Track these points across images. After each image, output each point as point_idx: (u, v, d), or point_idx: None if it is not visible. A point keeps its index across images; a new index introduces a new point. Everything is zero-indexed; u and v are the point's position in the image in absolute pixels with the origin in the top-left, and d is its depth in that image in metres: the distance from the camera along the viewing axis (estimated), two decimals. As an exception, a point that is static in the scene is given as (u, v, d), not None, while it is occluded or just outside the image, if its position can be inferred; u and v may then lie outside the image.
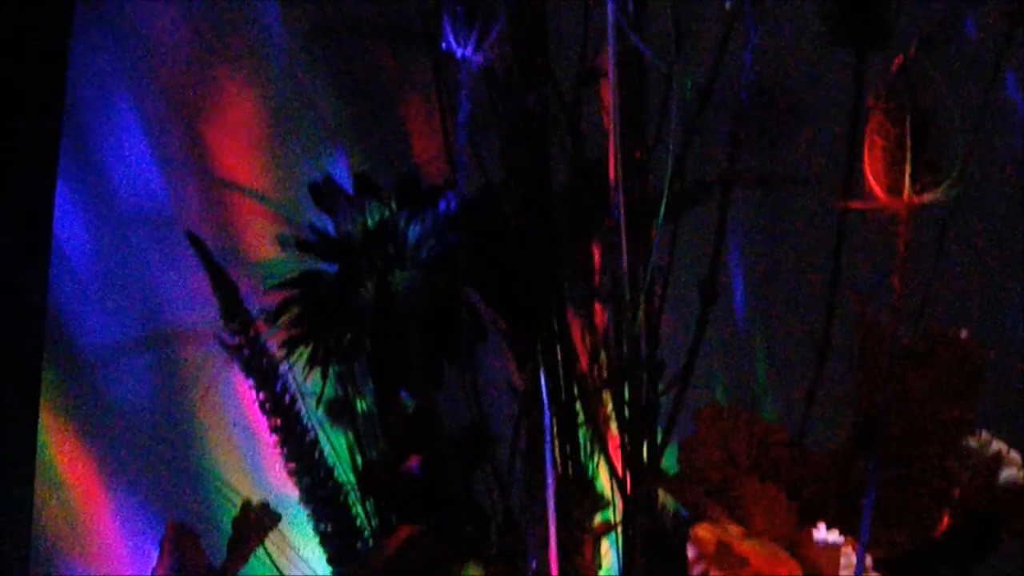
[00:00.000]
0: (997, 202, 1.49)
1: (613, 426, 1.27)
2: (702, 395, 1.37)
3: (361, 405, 1.36)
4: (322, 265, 1.31)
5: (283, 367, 1.30)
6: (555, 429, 1.25)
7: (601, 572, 1.27)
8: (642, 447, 1.26)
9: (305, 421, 1.30)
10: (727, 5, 1.28)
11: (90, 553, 1.50)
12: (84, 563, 1.50)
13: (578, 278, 1.30)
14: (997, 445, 1.23)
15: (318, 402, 1.34)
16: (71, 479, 1.50)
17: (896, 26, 1.29)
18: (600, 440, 1.27)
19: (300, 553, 1.35)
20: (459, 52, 1.20)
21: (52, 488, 1.49)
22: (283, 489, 1.35)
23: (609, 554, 1.28)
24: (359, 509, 1.32)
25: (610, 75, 1.22)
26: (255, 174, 1.49)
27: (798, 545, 1.14)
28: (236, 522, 1.30)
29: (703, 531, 1.14)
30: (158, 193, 1.48)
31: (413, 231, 1.31)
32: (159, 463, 1.49)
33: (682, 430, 1.27)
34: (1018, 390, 1.47)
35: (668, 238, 1.30)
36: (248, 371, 1.29)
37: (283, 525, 1.30)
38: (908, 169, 1.02)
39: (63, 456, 1.50)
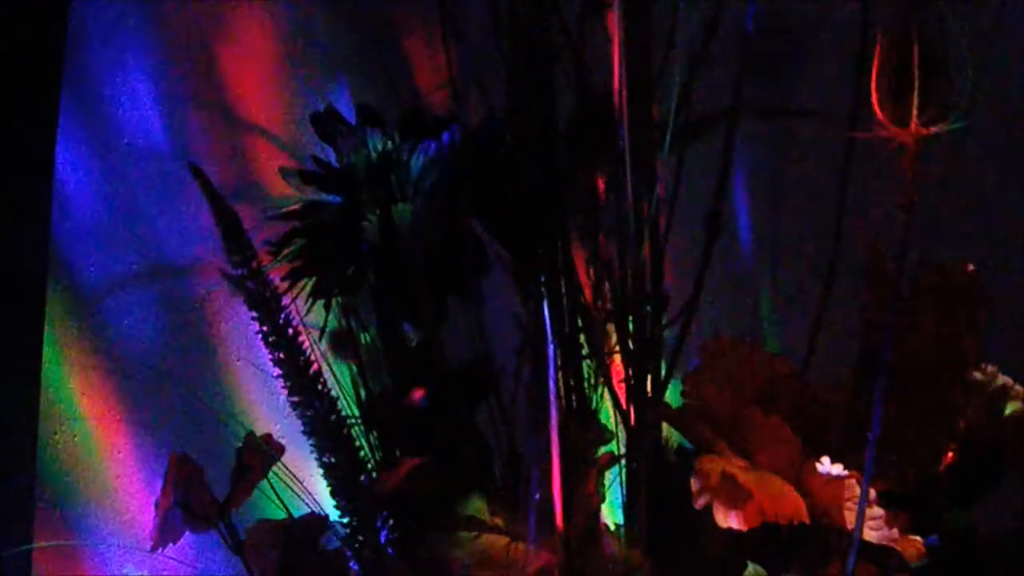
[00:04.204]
0: (1005, 133, 1.48)
1: (617, 358, 1.27)
2: (707, 327, 1.37)
3: (365, 338, 1.35)
4: (324, 196, 1.31)
5: (286, 299, 1.29)
6: (559, 361, 1.25)
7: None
8: (646, 379, 1.26)
9: (308, 353, 1.30)
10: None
11: (96, 484, 1.51)
12: (90, 493, 1.50)
13: (582, 210, 1.30)
14: (1002, 379, 1.23)
15: (321, 334, 1.34)
16: (76, 411, 1.50)
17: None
18: (604, 372, 1.27)
19: (304, 486, 1.35)
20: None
21: (57, 420, 1.49)
22: (287, 422, 1.35)
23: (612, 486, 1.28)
24: (363, 441, 1.32)
25: (615, 5, 1.21)
26: (258, 107, 1.48)
27: (802, 478, 1.14)
28: (240, 454, 1.30)
29: (707, 463, 1.14)
30: (161, 127, 1.48)
31: (416, 163, 1.30)
32: (163, 395, 1.49)
33: (686, 362, 1.26)
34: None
35: (673, 170, 1.29)
36: (251, 304, 1.29)
37: (287, 458, 1.30)
38: (915, 100, 1.01)
39: (68, 389, 1.50)
